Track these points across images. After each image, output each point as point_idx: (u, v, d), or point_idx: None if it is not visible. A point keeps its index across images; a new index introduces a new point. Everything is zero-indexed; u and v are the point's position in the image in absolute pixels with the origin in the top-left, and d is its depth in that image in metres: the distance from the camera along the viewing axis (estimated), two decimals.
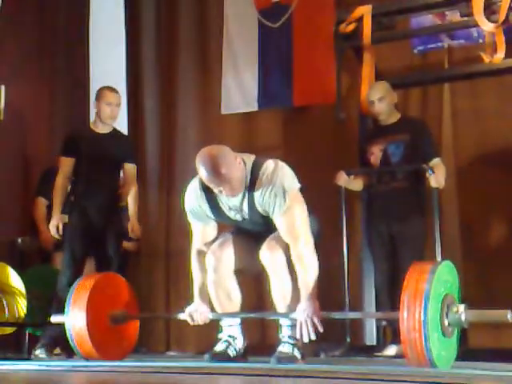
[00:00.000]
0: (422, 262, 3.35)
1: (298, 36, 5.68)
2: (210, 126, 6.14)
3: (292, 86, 5.66)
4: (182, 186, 3.66)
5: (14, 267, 4.90)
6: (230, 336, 3.61)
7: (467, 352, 3.66)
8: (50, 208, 4.91)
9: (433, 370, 2.97)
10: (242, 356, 3.63)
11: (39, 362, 3.98)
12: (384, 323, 4.71)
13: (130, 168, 4.84)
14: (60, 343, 4.58)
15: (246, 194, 3.44)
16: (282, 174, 3.43)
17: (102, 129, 4.77)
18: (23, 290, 4.82)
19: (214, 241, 3.64)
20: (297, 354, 3.47)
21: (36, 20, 6.12)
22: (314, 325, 3.33)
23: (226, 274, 3.60)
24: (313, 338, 3.35)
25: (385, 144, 4.69)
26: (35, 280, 5.05)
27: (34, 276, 5.11)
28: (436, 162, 4.57)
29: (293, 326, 3.46)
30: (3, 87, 5.54)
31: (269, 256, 3.49)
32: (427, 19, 5.32)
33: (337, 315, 3.80)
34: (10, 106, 5.57)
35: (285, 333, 3.52)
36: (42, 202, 5.49)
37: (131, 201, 4.83)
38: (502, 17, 4.49)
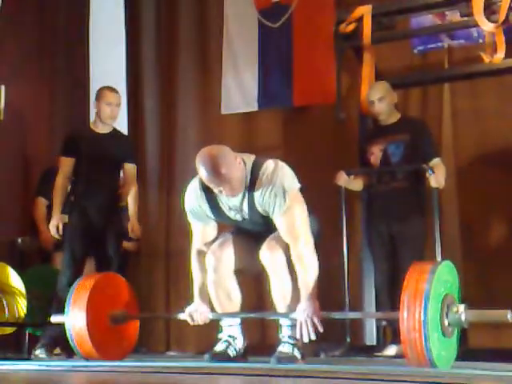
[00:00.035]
0: (421, 262, 3.35)
1: (298, 36, 5.68)
2: (209, 125, 6.14)
3: (292, 86, 5.66)
4: (182, 186, 3.66)
5: (14, 267, 4.90)
6: (230, 336, 3.61)
7: (467, 352, 3.66)
8: (50, 208, 4.91)
9: (433, 370, 2.97)
10: (242, 356, 3.63)
11: (39, 362, 3.98)
12: (384, 323, 4.71)
13: (129, 168, 4.83)
14: (60, 343, 4.58)
15: (246, 194, 3.44)
16: (282, 174, 3.43)
17: (102, 129, 4.77)
18: (23, 290, 4.82)
19: (214, 241, 3.64)
20: (297, 354, 3.47)
21: (36, 20, 6.12)
22: (314, 325, 3.33)
23: (226, 274, 3.60)
24: (313, 338, 3.35)
25: (385, 144, 4.69)
26: (35, 280, 5.05)
27: (34, 276, 5.11)
28: (436, 161, 4.57)
29: (293, 326, 3.46)
30: (3, 87, 5.54)
31: (269, 256, 3.49)
32: (427, 19, 5.32)
33: (337, 315, 3.80)
34: (10, 105, 5.57)
35: (285, 333, 3.52)
36: (42, 202, 5.49)
37: (131, 201, 4.83)
38: (501, 17, 4.49)
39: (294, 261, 3.42)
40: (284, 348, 3.48)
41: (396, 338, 4.18)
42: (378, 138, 4.75)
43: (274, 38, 5.80)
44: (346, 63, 5.24)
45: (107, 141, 4.74)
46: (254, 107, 5.87)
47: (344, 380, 2.59)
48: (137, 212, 4.85)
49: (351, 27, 5.02)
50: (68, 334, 3.74)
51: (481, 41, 5.13)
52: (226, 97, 5.98)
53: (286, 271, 3.47)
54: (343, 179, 4.68)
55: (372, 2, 5.02)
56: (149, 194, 6.27)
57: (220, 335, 3.64)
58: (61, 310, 3.87)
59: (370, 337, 4.83)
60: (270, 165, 3.44)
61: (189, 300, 3.67)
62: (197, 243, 3.66)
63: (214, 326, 3.76)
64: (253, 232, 3.60)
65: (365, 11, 4.94)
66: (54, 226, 4.61)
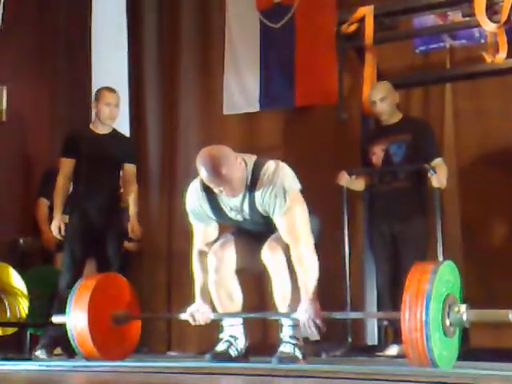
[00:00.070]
0: (423, 262, 3.35)
1: (300, 36, 5.69)
2: (211, 126, 6.13)
3: (294, 87, 5.67)
4: (184, 187, 3.66)
5: (15, 267, 4.90)
6: (231, 336, 3.61)
7: (469, 352, 3.66)
8: (51, 209, 4.91)
9: (434, 369, 2.97)
10: (244, 356, 3.62)
11: (40, 362, 3.98)
12: (385, 323, 4.70)
13: (129, 168, 4.82)
14: (60, 343, 4.58)
15: (247, 195, 3.44)
16: (283, 175, 3.42)
17: (101, 129, 4.77)
18: (25, 290, 4.83)
19: (215, 241, 3.64)
20: (298, 354, 3.46)
21: (37, 21, 6.12)
22: (317, 326, 3.33)
23: (227, 274, 3.60)
24: (317, 338, 3.35)
25: (387, 144, 4.68)
26: (37, 280, 5.06)
27: (35, 276, 5.12)
28: (438, 162, 4.56)
29: (294, 326, 3.47)
30: (5, 88, 5.54)
31: (270, 256, 3.49)
32: (429, 19, 5.31)
33: (338, 315, 3.80)
34: (11, 106, 5.57)
35: (286, 333, 3.51)
36: (43, 202, 5.49)
37: (131, 201, 4.82)
38: (503, 17, 4.48)
39: (294, 262, 3.42)
40: (285, 348, 3.48)
41: (397, 338, 4.18)
42: (380, 138, 4.74)
43: (276, 39, 5.81)
44: (348, 63, 5.24)
45: (107, 141, 4.74)
46: (256, 108, 5.88)
47: (345, 380, 2.59)
48: (137, 212, 4.83)
49: (353, 28, 5.01)
50: (69, 334, 3.75)
51: (483, 41, 5.12)
52: (227, 97, 5.99)
53: (287, 272, 3.47)
54: (345, 179, 4.67)
55: (374, 3, 5.02)
56: (151, 194, 6.27)
57: (221, 335, 3.64)
58: (62, 311, 3.88)
59: (372, 337, 4.82)
60: (271, 165, 3.44)
61: (190, 300, 3.67)
62: (198, 243, 3.66)
63: (215, 326, 3.76)
64: (254, 232, 3.60)
65: (366, 12, 4.93)
66: (56, 227, 4.62)
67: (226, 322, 3.64)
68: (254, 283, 4.87)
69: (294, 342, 3.48)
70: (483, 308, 3.17)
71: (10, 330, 4.90)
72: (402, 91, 5.04)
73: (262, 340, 5.22)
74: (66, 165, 4.70)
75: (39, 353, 4.49)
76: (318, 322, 3.32)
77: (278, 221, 3.44)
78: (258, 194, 3.41)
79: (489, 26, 4.58)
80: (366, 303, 4.86)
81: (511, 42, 4.61)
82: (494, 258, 5.01)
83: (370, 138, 4.88)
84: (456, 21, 5.07)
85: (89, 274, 4.37)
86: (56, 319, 3.91)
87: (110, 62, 6.49)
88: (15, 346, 4.96)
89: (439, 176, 4.44)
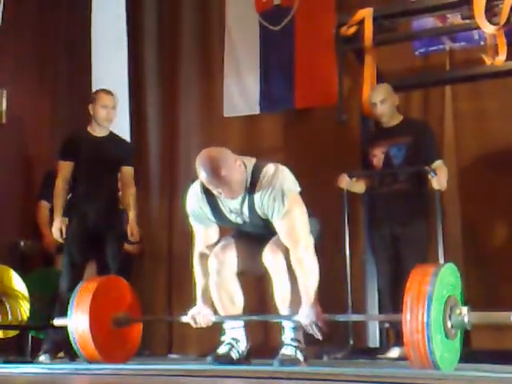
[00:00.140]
0: (424, 265, 3.35)
1: (300, 39, 5.70)
2: (211, 129, 6.14)
3: (294, 89, 5.67)
4: (185, 190, 3.66)
5: (16, 270, 4.90)
6: (232, 338, 3.61)
7: (470, 354, 3.65)
8: (52, 211, 4.91)
9: (436, 371, 2.97)
10: (245, 358, 3.62)
11: (42, 365, 3.98)
12: (387, 325, 4.70)
13: (127, 171, 4.81)
14: (63, 347, 4.57)
15: (246, 197, 3.43)
16: (282, 178, 3.42)
17: (99, 132, 4.76)
18: (26, 293, 4.83)
19: (216, 244, 3.64)
20: (299, 356, 3.47)
21: (37, 23, 6.12)
22: (319, 329, 3.33)
23: (228, 277, 3.60)
24: (320, 338, 3.37)
25: (387, 146, 4.69)
26: (38, 283, 5.06)
27: (36, 279, 5.12)
28: (438, 163, 4.56)
29: (295, 329, 3.47)
30: (5, 91, 5.54)
31: (271, 259, 3.49)
32: (429, 22, 5.32)
33: (340, 317, 3.79)
34: (11, 108, 5.57)
35: (287, 335, 3.52)
36: (44, 205, 5.49)
37: (130, 204, 4.80)
38: (503, 19, 4.49)
39: (293, 265, 3.41)
40: (287, 350, 3.48)
41: (399, 340, 4.18)
42: (380, 140, 4.75)
43: (276, 41, 5.82)
44: (348, 66, 5.25)
45: (105, 144, 4.73)
46: (256, 110, 5.89)
47: (347, 382, 2.58)
48: (136, 215, 4.81)
49: (352, 30, 5.01)
50: (71, 337, 3.74)
51: (482, 43, 5.13)
52: (228, 100, 6.00)
53: (287, 274, 3.47)
54: (345, 181, 4.67)
55: (373, 5, 5.03)
56: (151, 196, 6.27)
57: (223, 338, 3.64)
58: (63, 313, 3.88)
59: (373, 339, 4.82)
60: (270, 168, 3.44)
61: (191, 303, 3.67)
62: (199, 246, 3.66)
63: (216, 329, 3.76)
64: (254, 235, 3.60)
65: (366, 14, 4.94)
66: (58, 229, 4.61)
67: (227, 325, 3.64)
68: (255, 285, 4.88)
69: (295, 344, 3.48)
70: (484, 310, 3.17)
71: (12, 333, 4.89)
72: (401, 93, 5.05)
73: (263, 342, 5.22)
74: (65, 168, 4.69)
75: (43, 358, 4.47)
76: (320, 324, 3.33)
77: (277, 224, 3.43)
78: (257, 197, 3.41)
79: (488, 28, 4.59)
80: (368, 305, 4.86)
81: (510, 44, 4.62)
82: (496, 259, 5.01)
83: (370, 140, 4.88)
84: (455, 23, 5.09)
85: (89, 277, 4.37)
86: (57, 322, 3.91)
87: (110, 62, 6.49)
88: (16, 349, 4.95)
89: (440, 178, 4.44)
